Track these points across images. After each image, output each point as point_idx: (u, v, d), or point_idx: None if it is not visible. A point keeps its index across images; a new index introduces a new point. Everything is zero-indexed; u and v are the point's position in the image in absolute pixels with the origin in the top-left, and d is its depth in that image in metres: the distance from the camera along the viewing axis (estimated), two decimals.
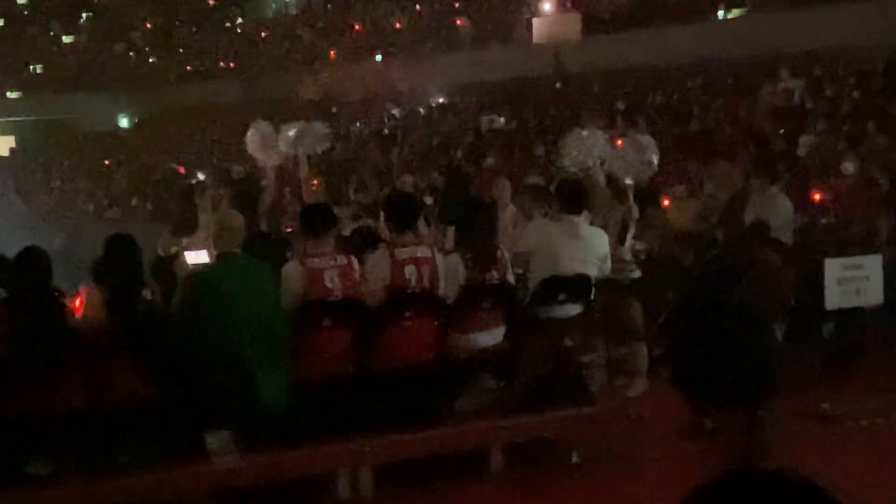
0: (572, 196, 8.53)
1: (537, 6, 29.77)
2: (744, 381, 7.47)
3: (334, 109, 31.00)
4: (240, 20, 42.93)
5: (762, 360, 7.54)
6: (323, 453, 7.11)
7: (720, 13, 25.34)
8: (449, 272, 7.93)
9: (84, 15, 47.26)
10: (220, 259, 7.40)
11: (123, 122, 40.90)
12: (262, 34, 40.01)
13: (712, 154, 15.77)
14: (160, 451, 6.83)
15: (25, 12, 47.68)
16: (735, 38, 23.24)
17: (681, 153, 17.22)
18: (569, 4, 29.11)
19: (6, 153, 40.25)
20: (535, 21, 29.29)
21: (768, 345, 7.81)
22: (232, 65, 38.75)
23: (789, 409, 8.08)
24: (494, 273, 8.00)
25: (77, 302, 7.54)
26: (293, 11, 41.29)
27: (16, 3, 48.11)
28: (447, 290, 7.90)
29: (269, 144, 11.14)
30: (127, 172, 31.00)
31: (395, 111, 29.47)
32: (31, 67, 43.76)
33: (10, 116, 41.97)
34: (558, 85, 26.57)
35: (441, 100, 29.20)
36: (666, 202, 12.92)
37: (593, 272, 8.43)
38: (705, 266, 8.61)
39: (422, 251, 7.88)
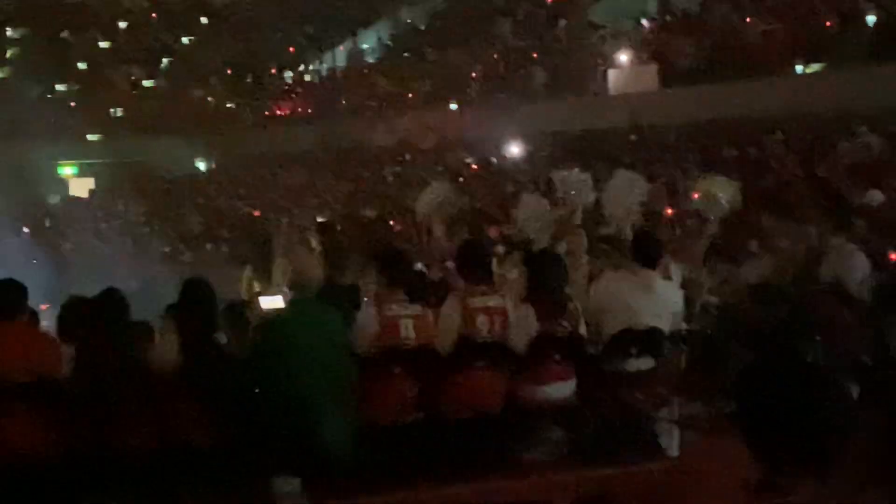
0: (646, 249, 8.50)
1: (613, 58, 29.77)
2: (817, 440, 7.36)
3: (408, 157, 31.15)
4: (317, 67, 43.38)
5: (836, 419, 7.44)
6: (390, 501, 7.11)
7: (798, 68, 25.18)
8: (520, 323, 7.92)
9: (164, 60, 47.97)
10: (293, 305, 7.46)
11: (200, 166, 41.35)
12: (339, 82, 40.39)
13: (788, 209, 15.64)
14: (228, 495, 6.86)
15: (107, 57, 48.47)
16: (813, 93, 23.07)
17: (756, 208, 17.08)
18: (645, 56, 29.09)
19: (85, 195, 40.82)
20: (610, 72, 29.29)
21: (843, 404, 7.70)
22: (308, 111, 39.13)
23: (862, 470, 7.94)
24: (566, 325, 7.98)
25: (153, 344, 7.63)
26: (370, 60, 41.66)
27: (98, 47, 48.93)
28: (518, 340, 7.89)
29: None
30: (202, 216, 31.36)
31: (469, 160, 29.55)
32: (111, 111, 44.42)
33: (89, 159, 42.59)
34: (633, 137, 26.51)
35: (515, 149, 29.25)
36: (739, 256, 12.84)
37: (666, 326, 8.37)
38: (780, 323, 8.51)
39: (494, 301, 7.89)
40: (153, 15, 50.46)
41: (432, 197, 11.32)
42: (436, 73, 35.28)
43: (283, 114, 40.56)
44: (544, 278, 8.13)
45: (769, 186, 19.80)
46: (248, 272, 11.09)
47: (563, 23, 33.10)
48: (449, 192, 11.75)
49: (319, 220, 14.62)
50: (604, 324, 8.37)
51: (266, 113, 40.90)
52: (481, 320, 7.75)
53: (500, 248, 12.96)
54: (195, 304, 7.54)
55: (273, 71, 44.12)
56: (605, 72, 29.56)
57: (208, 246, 26.39)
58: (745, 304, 11.25)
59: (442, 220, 11.30)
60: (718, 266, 11.93)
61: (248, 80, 44.47)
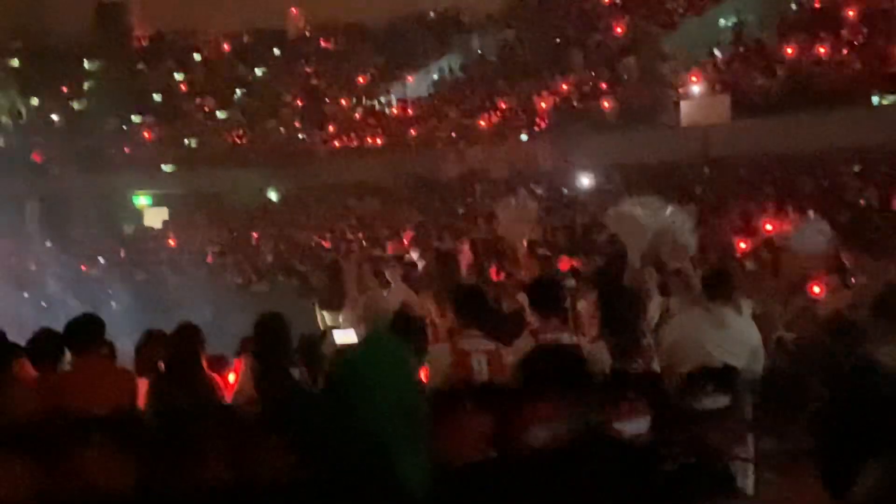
0: (720, 285, 8.43)
1: (685, 88, 29.66)
2: None
3: (478, 187, 31.18)
4: (388, 98, 43.64)
5: None
6: None
7: (875, 99, 24.92)
8: (594, 359, 7.87)
9: (238, 92, 48.52)
10: (367, 339, 7.46)
11: (272, 197, 41.68)
12: (410, 112, 40.58)
13: (866, 243, 15.45)
14: None
15: (182, 89, 49.15)
16: (891, 125, 22.80)
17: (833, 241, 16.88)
18: (718, 87, 28.94)
19: (160, 225, 41.33)
20: (682, 104, 29.17)
21: None
22: (379, 142, 39.35)
23: None
24: (640, 361, 7.92)
25: (229, 377, 7.67)
26: (441, 90, 41.81)
27: (173, 79, 49.63)
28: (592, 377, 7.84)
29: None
30: (274, 247, 31.55)
31: (540, 191, 29.52)
32: (186, 142, 45.00)
33: (164, 189, 43.13)
34: (706, 169, 26.36)
35: (586, 181, 29.19)
36: (816, 291, 12.68)
37: (742, 363, 8.28)
38: (858, 359, 8.39)
39: (566, 338, 7.85)
40: (227, 47, 51.07)
41: (511, 219, 11.35)
42: (507, 104, 35.31)
43: (354, 145, 40.78)
44: (618, 313, 8.08)
45: (845, 220, 19.57)
46: (325, 307, 11.16)
47: (634, 55, 33.04)
48: (529, 216, 11.76)
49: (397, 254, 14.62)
50: (677, 361, 8.30)
51: (337, 144, 41.14)
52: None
53: (572, 282, 12.94)
54: (270, 338, 7.57)
55: (345, 102, 44.41)
56: (676, 103, 29.44)
57: (280, 277, 26.53)
58: (822, 339, 11.12)
59: (521, 245, 11.32)
60: (794, 300, 11.80)
61: (320, 112, 44.82)
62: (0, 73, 48.26)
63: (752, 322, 8.57)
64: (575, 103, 32.75)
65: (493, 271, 13.06)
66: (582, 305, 10.80)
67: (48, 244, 35.96)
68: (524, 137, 32.88)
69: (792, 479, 9.02)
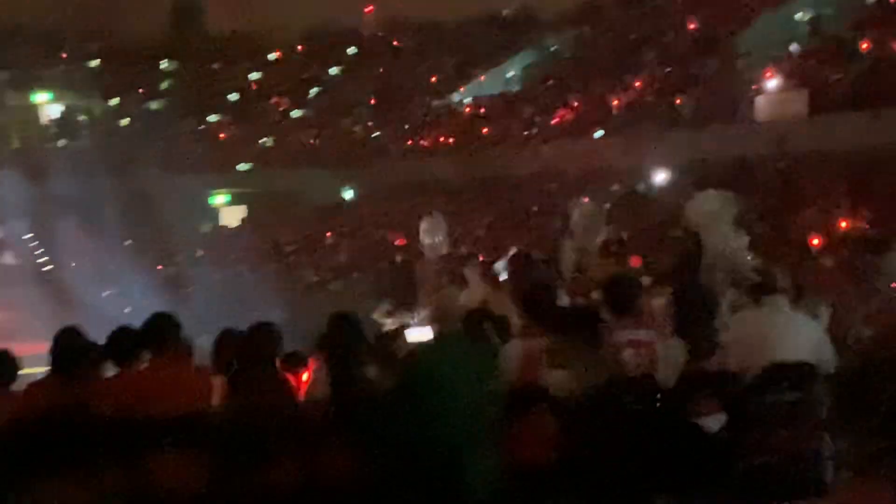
0: (766, 282, 8.36)
1: (761, 84, 29.34)
2: None
3: (552, 186, 31.08)
4: (462, 96, 43.67)
5: None
6: None
7: None
8: (669, 357, 7.84)
9: (312, 91, 48.80)
10: (439, 339, 7.47)
11: (346, 196, 41.88)
12: (483, 111, 40.55)
13: None
14: None
15: (257, 88, 49.53)
16: None
17: None
18: (794, 83, 28.61)
19: (236, 224, 41.70)
20: (758, 99, 28.87)
21: None
22: (452, 140, 39.34)
23: None
24: (715, 359, 7.88)
25: (303, 377, 7.72)
26: (515, 88, 41.76)
27: (248, 78, 50.03)
28: (666, 375, 7.81)
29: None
30: (348, 245, 31.71)
31: (615, 188, 29.37)
32: (261, 141, 45.34)
33: (240, 188, 43.50)
34: (781, 165, 26.07)
35: (660, 178, 29.00)
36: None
37: (812, 360, 8.18)
38: None
39: (642, 335, 7.82)
40: (302, 47, 51.39)
41: (583, 219, 11.33)
42: (581, 102, 35.19)
43: (427, 143, 40.84)
44: (693, 311, 8.03)
45: None
46: (389, 304, 11.20)
47: (708, 51, 32.77)
48: (599, 215, 11.74)
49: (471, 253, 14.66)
50: (746, 358, 8.22)
51: (411, 142, 41.23)
52: (628, 354, 7.68)
53: (647, 280, 12.86)
54: (342, 337, 7.61)
55: (418, 100, 44.50)
56: (752, 99, 29.14)
57: (355, 275, 26.67)
58: None
59: (594, 243, 11.29)
60: (872, 296, 11.66)
61: (394, 110, 44.95)
62: (79, 74, 48.94)
63: (822, 319, 8.46)
64: (649, 100, 32.54)
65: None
66: (656, 303, 10.73)
67: (127, 243, 36.42)
68: (598, 135, 32.73)
69: (870, 479, 8.92)
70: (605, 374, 7.59)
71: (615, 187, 29.01)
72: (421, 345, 7.88)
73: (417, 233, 14.02)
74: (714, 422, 7.75)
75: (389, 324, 10.84)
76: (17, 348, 8.53)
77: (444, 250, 12.06)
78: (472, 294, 12.32)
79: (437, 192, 35.42)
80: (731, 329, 8.53)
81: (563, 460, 7.39)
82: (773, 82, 29.02)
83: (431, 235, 12.20)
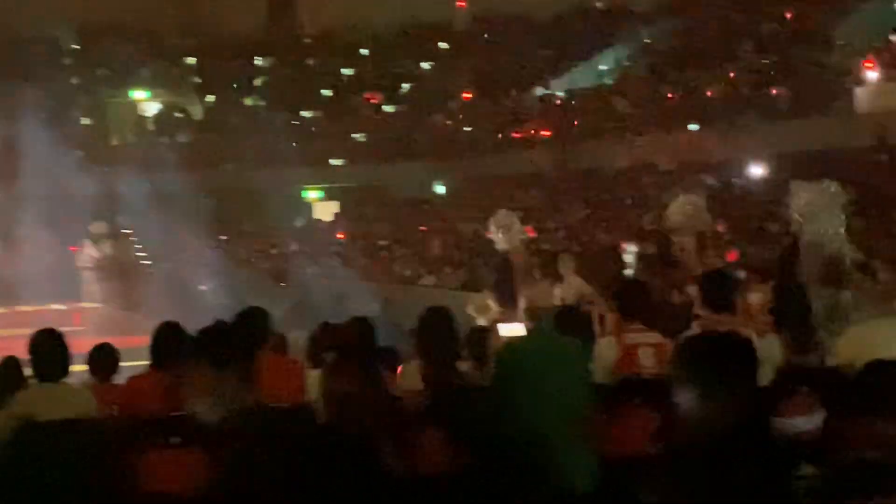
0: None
1: (861, 74, 28.88)
2: None
3: (646, 179, 30.89)
4: (555, 89, 43.53)
5: None
6: None
7: None
8: (765, 353, 7.73)
9: (405, 85, 48.97)
10: (532, 334, 7.44)
11: (439, 190, 41.98)
12: (576, 103, 40.39)
13: None
14: None
15: (349, 83, 49.79)
16: None
17: None
18: (894, 73, 28.10)
19: (330, 218, 42.01)
20: (857, 90, 28.41)
21: None
22: (546, 133, 39.25)
23: None
24: (813, 356, 7.75)
25: (397, 371, 7.75)
26: (609, 81, 41.54)
27: (341, 73, 50.31)
28: (763, 371, 7.70)
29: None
30: (441, 239, 31.79)
31: (710, 181, 29.10)
32: (354, 136, 45.59)
33: (333, 183, 43.82)
34: (883, 157, 25.63)
35: (757, 170, 28.67)
36: None
37: None
38: None
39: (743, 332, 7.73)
40: (393, 42, 51.58)
41: (682, 209, 11.24)
42: (676, 94, 34.88)
43: (520, 136, 40.77)
44: (791, 306, 7.91)
45: None
46: (485, 298, 11.18)
47: (806, 41, 32.31)
48: (700, 206, 11.65)
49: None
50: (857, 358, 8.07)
51: (503, 136, 41.19)
52: None
53: (742, 274, 12.73)
54: (435, 332, 7.62)
55: (511, 93, 44.44)
56: (851, 89, 28.68)
57: (447, 269, 26.71)
58: None
59: (691, 236, 11.19)
60: None
61: (487, 104, 44.94)
62: (176, 71, 49.61)
63: None
64: (745, 92, 32.16)
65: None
66: (753, 298, 10.60)
67: (222, 238, 36.88)
68: (693, 127, 32.43)
69: None
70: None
71: (711, 180, 28.72)
72: (514, 340, 7.83)
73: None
74: (806, 422, 7.63)
75: (483, 318, 10.83)
76: (118, 342, 8.67)
77: (513, 245, 12.01)
78: (567, 289, 12.29)
79: (530, 185, 35.36)
80: (848, 339, 8.36)
81: (660, 456, 7.32)
82: (872, 73, 28.52)
83: (501, 231, 12.17)
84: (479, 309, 11.13)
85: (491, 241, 13.75)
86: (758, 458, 7.45)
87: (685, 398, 6.98)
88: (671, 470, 7.25)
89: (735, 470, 7.35)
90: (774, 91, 30.89)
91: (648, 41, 42.10)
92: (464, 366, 7.50)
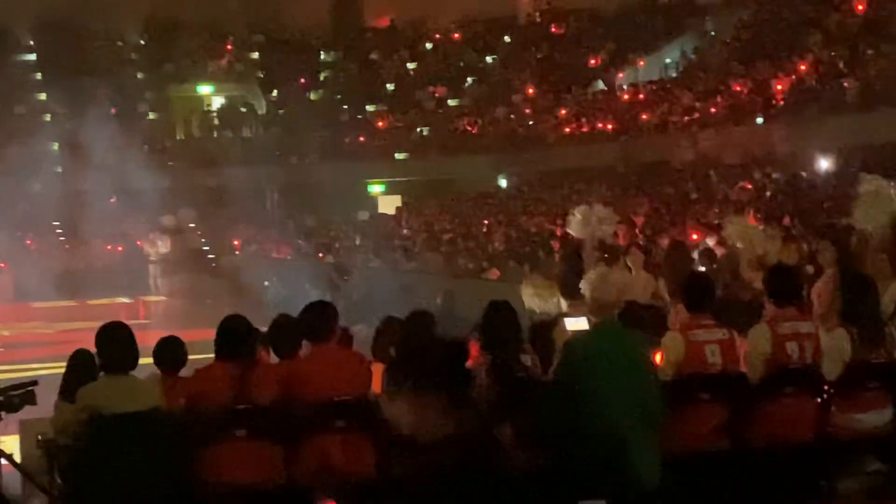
0: None
1: None
2: None
3: (711, 173, 30.65)
4: (620, 82, 43.32)
5: None
6: None
7: None
8: (833, 349, 7.67)
9: (469, 79, 48.95)
10: (596, 327, 7.41)
11: (502, 184, 41.95)
12: (641, 97, 40.17)
13: None
14: None
15: (414, 77, 49.87)
16: None
17: None
18: None
19: (393, 211, 42.13)
20: None
21: None
22: (610, 127, 39.08)
23: None
24: (882, 351, 7.68)
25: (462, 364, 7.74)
26: (673, 74, 41.27)
27: (405, 67, 50.41)
28: (831, 367, 7.64)
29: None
30: (505, 233, 31.71)
31: (776, 175, 28.82)
32: (418, 130, 45.67)
33: (397, 177, 43.93)
34: None
35: (824, 164, 28.37)
36: None
37: None
38: None
39: (805, 327, 7.67)
40: (458, 35, 51.58)
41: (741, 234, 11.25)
42: (742, 87, 34.56)
43: (584, 130, 40.61)
44: (859, 302, 7.83)
45: None
46: (549, 284, 11.19)
47: (874, 33, 31.89)
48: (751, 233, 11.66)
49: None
50: None
51: (568, 129, 41.05)
52: (791, 346, 7.54)
53: (809, 269, 12.59)
54: (499, 326, 7.63)
55: (575, 87, 44.28)
56: None
57: (511, 263, 26.64)
58: None
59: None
60: None
61: (551, 97, 44.82)
62: (242, 65, 49.96)
63: None
64: (813, 84, 31.80)
65: None
66: (820, 292, 10.49)
67: (286, 232, 37.12)
68: (760, 121, 32.12)
69: None
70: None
71: (777, 174, 28.45)
72: (580, 334, 7.81)
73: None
74: (876, 417, 7.57)
75: (539, 303, 10.87)
76: (184, 335, 8.75)
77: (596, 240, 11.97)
78: (633, 283, 12.23)
79: (595, 178, 35.21)
80: None
81: (728, 449, 7.29)
82: None
83: (584, 226, 12.12)
84: (538, 293, 11.13)
85: (554, 235, 13.69)
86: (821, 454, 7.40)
87: None
88: (741, 463, 7.21)
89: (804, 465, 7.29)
90: (843, 83, 30.51)
91: (714, 33, 41.76)
92: (527, 359, 7.49)
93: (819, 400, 7.61)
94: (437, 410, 6.72)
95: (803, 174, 28.22)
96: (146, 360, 7.71)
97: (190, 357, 8.29)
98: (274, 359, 7.66)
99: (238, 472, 6.84)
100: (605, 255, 11.73)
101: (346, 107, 47.86)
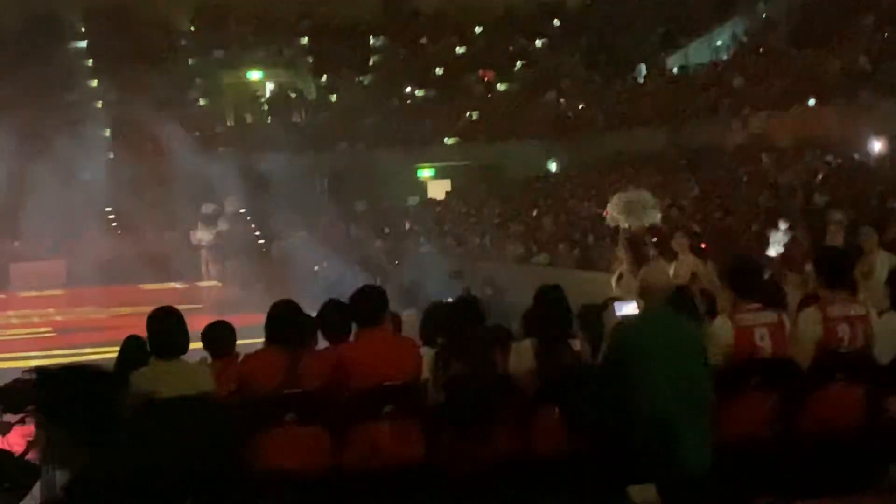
0: None
1: None
2: None
3: (762, 156, 30.41)
4: (670, 66, 43.07)
5: None
6: None
7: None
8: (886, 333, 7.60)
9: (518, 63, 48.81)
10: (645, 313, 7.37)
11: (552, 168, 41.84)
12: (691, 80, 39.90)
13: None
14: (585, 501, 6.89)
15: (463, 62, 49.77)
16: None
17: None
18: None
19: (442, 196, 42.11)
20: None
21: None
22: (661, 110, 38.82)
23: None
24: None
25: (508, 349, 7.74)
26: (725, 57, 40.96)
27: (454, 53, 50.34)
28: (884, 351, 7.57)
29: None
30: (554, 217, 31.65)
31: (829, 158, 28.56)
32: (468, 114, 45.61)
33: (446, 161, 43.89)
34: None
35: (877, 147, 28.07)
36: None
37: None
38: None
39: (856, 309, 7.59)
40: (506, 20, 51.43)
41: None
42: (793, 70, 34.27)
43: (634, 113, 40.41)
44: None
45: None
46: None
47: None
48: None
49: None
50: None
51: (616, 113, 40.87)
52: (842, 329, 7.47)
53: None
54: (548, 310, 7.62)
55: (625, 70, 44.08)
56: None
57: (560, 247, 26.61)
58: None
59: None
60: None
61: (600, 81, 44.62)
62: (291, 51, 50.07)
63: None
64: (866, 67, 31.47)
65: None
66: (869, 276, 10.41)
67: (336, 217, 37.20)
68: (812, 103, 31.83)
69: None
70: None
71: (829, 157, 28.19)
72: (629, 319, 7.78)
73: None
74: None
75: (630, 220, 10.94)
76: (235, 320, 8.80)
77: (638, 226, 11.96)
78: (681, 267, 12.19)
79: (644, 162, 35.06)
80: None
81: (778, 435, 7.25)
82: None
83: (627, 211, 12.10)
84: (630, 206, 11.17)
85: (603, 219, 13.65)
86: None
87: None
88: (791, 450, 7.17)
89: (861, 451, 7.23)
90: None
91: (766, 15, 41.40)
92: (576, 344, 7.47)
93: (871, 385, 7.54)
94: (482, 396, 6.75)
95: (856, 157, 27.93)
96: (197, 345, 7.75)
97: (241, 342, 8.33)
98: (323, 344, 7.68)
99: (287, 457, 6.88)
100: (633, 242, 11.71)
101: (395, 92, 47.85)
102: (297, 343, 7.21)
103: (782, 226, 16.87)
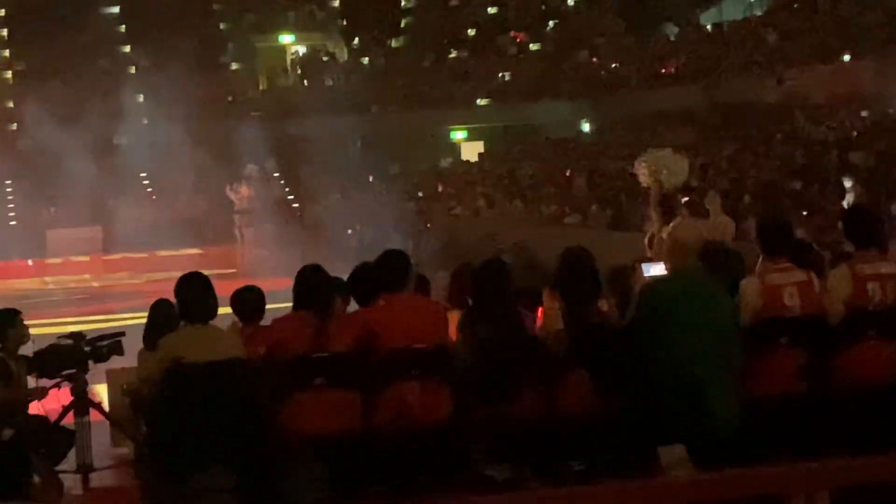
0: None
1: None
2: None
3: (796, 112, 30.19)
4: (704, 23, 42.77)
5: None
6: (778, 474, 6.92)
7: None
8: None
9: (550, 23, 48.58)
10: (674, 273, 7.36)
11: (585, 128, 41.69)
12: (726, 36, 39.60)
13: None
14: (614, 462, 6.90)
15: (495, 23, 49.54)
16: None
17: None
18: None
19: (475, 158, 42.03)
20: None
21: None
22: (694, 68, 38.57)
23: None
24: None
25: (538, 312, 7.75)
26: (758, 13, 40.63)
27: (486, 13, 50.13)
28: None
29: None
30: (587, 178, 31.54)
31: (864, 114, 28.31)
32: (500, 75, 45.45)
33: (479, 123, 43.78)
34: None
35: None
36: None
37: None
38: None
39: (886, 267, 7.54)
40: None
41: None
42: (827, 25, 33.93)
43: (667, 72, 40.17)
44: None
45: None
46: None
47: None
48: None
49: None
50: None
51: (649, 72, 40.63)
52: (872, 287, 7.42)
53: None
54: (576, 272, 7.62)
55: (658, 28, 43.78)
56: None
57: (593, 208, 26.53)
58: None
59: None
60: None
61: (633, 40, 44.33)
62: (323, 14, 49.97)
63: None
64: None
65: None
66: None
67: (370, 180, 37.21)
68: (846, 58, 31.54)
69: None
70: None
71: (864, 113, 27.95)
72: (658, 279, 7.77)
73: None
74: None
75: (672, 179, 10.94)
76: (264, 283, 8.85)
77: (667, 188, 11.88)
78: (712, 227, 12.11)
79: (678, 121, 34.85)
80: None
81: (808, 394, 7.22)
82: None
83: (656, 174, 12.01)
84: (665, 164, 11.16)
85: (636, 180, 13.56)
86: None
87: None
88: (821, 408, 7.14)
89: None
90: None
91: None
92: (603, 304, 7.47)
93: None
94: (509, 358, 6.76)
95: (891, 113, 27.69)
96: (226, 310, 7.79)
97: (276, 306, 8.36)
98: (353, 307, 7.70)
99: (316, 420, 6.91)
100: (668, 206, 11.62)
101: (427, 54, 47.70)
102: (324, 307, 7.23)
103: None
